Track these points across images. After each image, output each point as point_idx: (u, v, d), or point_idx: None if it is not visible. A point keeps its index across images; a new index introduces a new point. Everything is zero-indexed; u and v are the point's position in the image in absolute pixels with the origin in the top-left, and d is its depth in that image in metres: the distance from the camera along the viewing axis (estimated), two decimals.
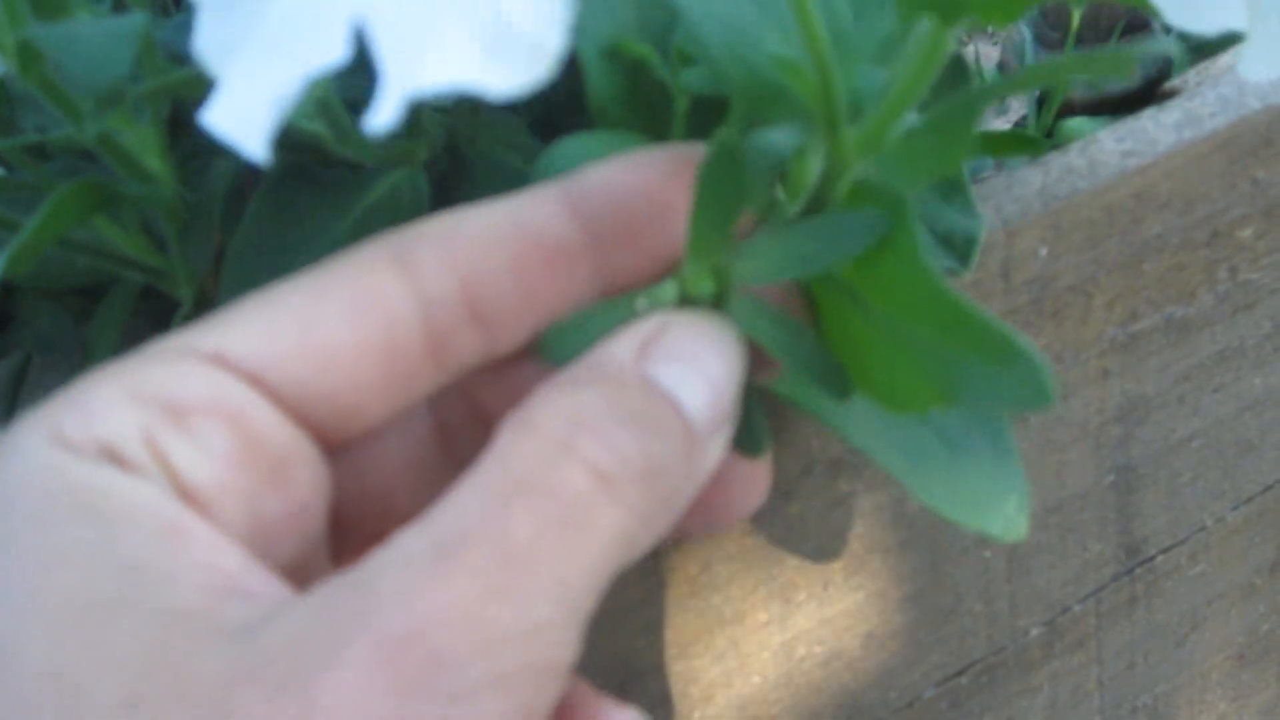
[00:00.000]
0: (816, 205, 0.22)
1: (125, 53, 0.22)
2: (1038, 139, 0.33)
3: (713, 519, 0.22)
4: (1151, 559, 0.37)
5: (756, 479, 0.23)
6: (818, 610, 0.31)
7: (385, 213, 0.29)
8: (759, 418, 0.21)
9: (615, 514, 0.17)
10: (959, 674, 0.35)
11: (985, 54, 0.51)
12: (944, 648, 0.34)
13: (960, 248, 0.30)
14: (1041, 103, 0.45)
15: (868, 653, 0.33)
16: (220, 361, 0.18)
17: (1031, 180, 0.31)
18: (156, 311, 0.31)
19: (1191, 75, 0.38)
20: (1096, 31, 0.45)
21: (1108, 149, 0.32)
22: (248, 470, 0.18)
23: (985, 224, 0.29)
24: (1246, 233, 0.34)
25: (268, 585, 0.17)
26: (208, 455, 0.17)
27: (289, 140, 0.29)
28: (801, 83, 0.20)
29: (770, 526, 0.30)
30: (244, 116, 0.15)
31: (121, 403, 0.17)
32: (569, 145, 0.25)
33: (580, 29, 0.26)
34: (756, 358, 0.21)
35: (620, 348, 0.19)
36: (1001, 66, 0.49)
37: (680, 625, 0.29)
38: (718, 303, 0.21)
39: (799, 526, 0.30)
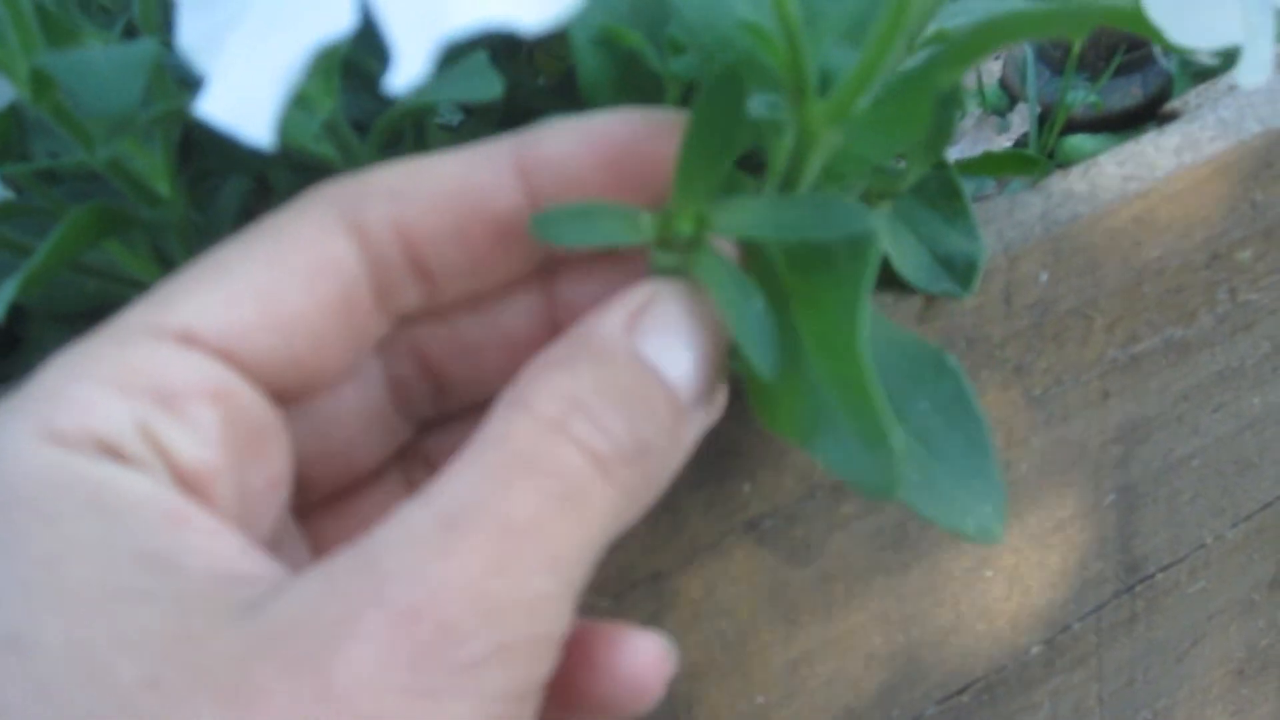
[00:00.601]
0: (790, 183, 0.22)
1: (136, 81, 0.22)
2: (1039, 158, 0.33)
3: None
4: (1151, 576, 0.38)
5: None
6: (821, 631, 0.31)
7: None
8: (770, 339, 0.21)
9: (608, 493, 0.18)
10: (960, 692, 0.35)
11: (988, 70, 0.52)
12: (945, 666, 0.34)
13: (962, 271, 0.30)
14: (1043, 120, 0.45)
15: (870, 672, 0.33)
16: (192, 339, 0.18)
17: (1033, 205, 0.31)
18: None
19: (1192, 96, 0.39)
20: (1098, 49, 0.46)
21: (1108, 173, 0.32)
22: (234, 447, 0.18)
23: (987, 248, 0.30)
24: (1245, 254, 0.34)
25: (264, 566, 0.17)
26: (201, 438, 0.18)
27: (297, 162, 0.29)
28: (771, 50, 0.21)
29: (774, 549, 0.30)
30: (244, 100, 0.15)
31: (111, 395, 0.17)
32: None
33: (573, 19, 0.26)
34: None
35: (610, 320, 0.19)
36: (1003, 82, 0.49)
37: (685, 647, 0.30)
38: (689, 248, 0.20)
39: (802, 549, 0.30)
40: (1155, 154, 0.32)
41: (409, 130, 0.32)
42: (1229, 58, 0.21)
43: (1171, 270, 0.33)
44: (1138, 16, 0.20)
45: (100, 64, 0.22)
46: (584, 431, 0.18)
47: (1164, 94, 0.45)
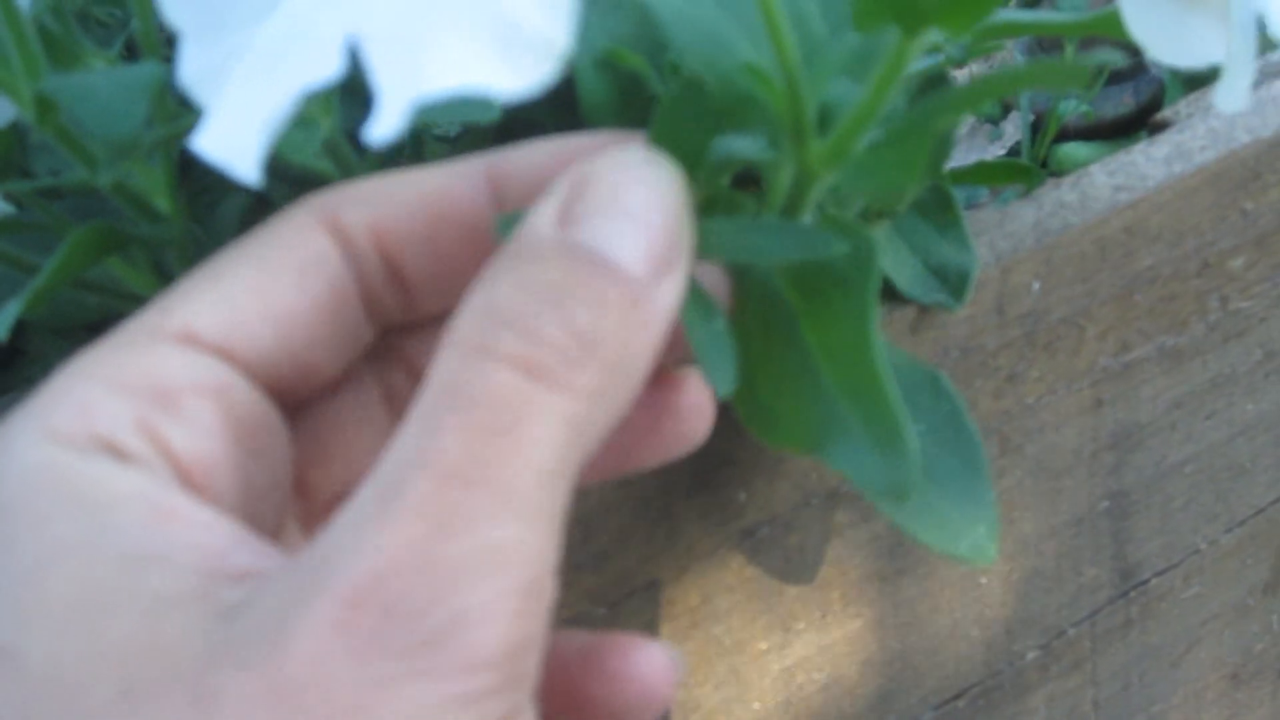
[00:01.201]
0: (789, 216, 0.22)
1: (139, 105, 0.22)
2: (1031, 167, 0.34)
3: (666, 448, 0.22)
4: (1146, 582, 0.38)
5: (703, 404, 0.22)
6: (817, 638, 0.32)
7: None
8: (728, 357, 0.20)
9: (555, 402, 0.16)
10: (956, 698, 0.35)
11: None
12: (941, 672, 0.34)
13: (954, 282, 0.30)
14: (1036, 129, 0.46)
15: (866, 678, 0.33)
16: (191, 339, 0.18)
17: (1024, 215, 0.31)
18: None
19: (1183, 105, 0.39)
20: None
21: (1099, 183, 0.32)
22: (234, 442, 0.18)
23: (979, 259, 0.30)
24: (1237, 263, 0.34)
25: (262, 557, 0.17)
26: (200, 433, 0.18)
27: (296, 178, 0.29)
28: (770, 92, 0.21)
29: (769, 557, 0.30)
30: (235, 140, 0.15)
31: (111, 394, 0.17)
32: None
33: (576, 40, 0.26)
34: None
35: (537, 219, 0.18)
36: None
37: (682, 654, 0.30)
38: None
39: (797, 557, 0.30)
40: (1146, 164, 0.33)
41: (407, 143, 0.32)
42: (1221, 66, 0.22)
43: (1163, 279, 0.33)
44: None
45: (103, 87, 0.22)
46: (510, 344, 0.16)
47: (1156, 102, 0.45)
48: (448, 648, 0.15)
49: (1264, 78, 0.36)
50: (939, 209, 0.31)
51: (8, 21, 0.23)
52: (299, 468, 0.21)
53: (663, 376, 0.20)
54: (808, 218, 0.22)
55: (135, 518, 0.16)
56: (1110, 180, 0.32)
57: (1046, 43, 0.46)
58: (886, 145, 0.21)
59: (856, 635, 0.32)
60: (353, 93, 0.30)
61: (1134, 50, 0.22)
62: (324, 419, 0.21)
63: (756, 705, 0.32)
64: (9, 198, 0.30)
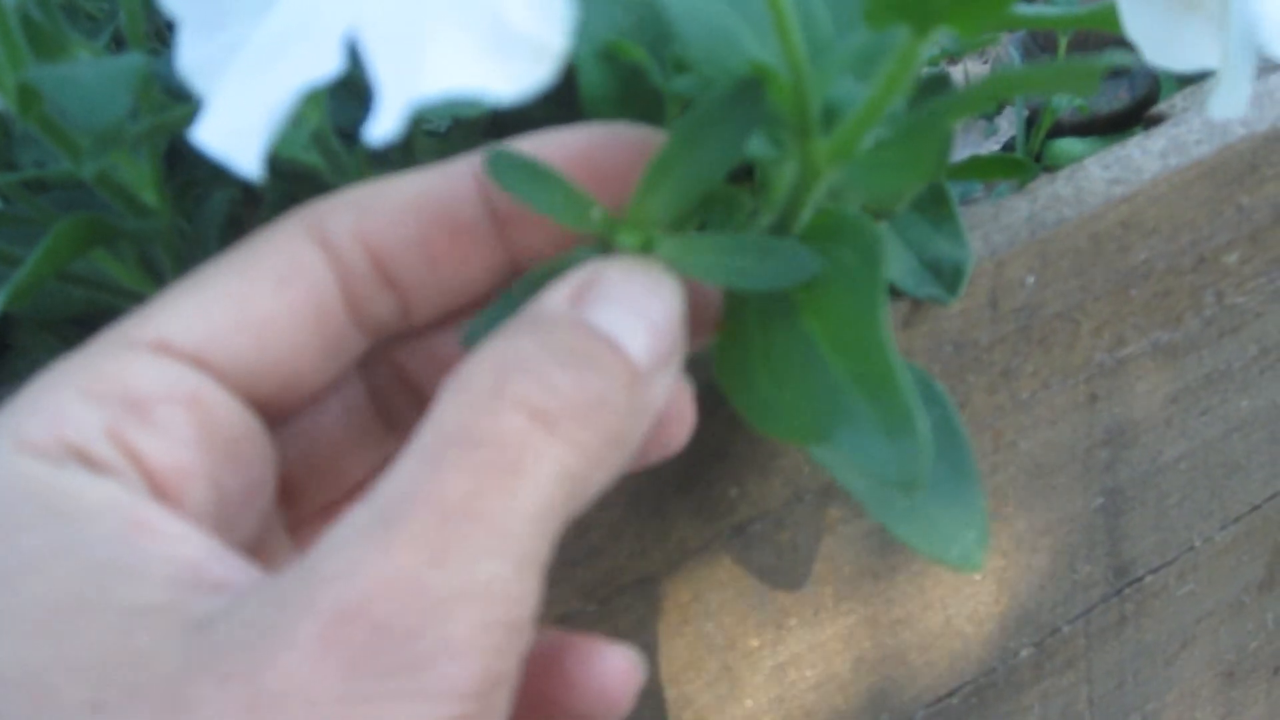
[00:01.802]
0: (790, 214, 0.22)
1: (123, 94, 0.22)
2: (1026, 162, 0.34)
3: (645, 453, 0.22)
4: (1140, 579, 0.38)
5: (684, 411, 0.22)
6: (809, 635, 0.31)
7: None
8: None
9: (556, 452, 0.17)
10: (950, 695, 0.35)
11: (975, 73, 0.52)
12: (934, 670, 0.34)
13: (948, 276, 0.30)
14: (1031, 124, 0.45)
15: (859, 676, 0.33)
16: (165, 348, 0.18)
17: (1019, 209, 0.31)
18: None
19: (1179, 99, 0.39)
20: (1085, 52, 0.46)
21: (1094, 177, 0.32)
22: (208, 452, 0.18)
23: (973, 253, 0.30)
24: (1232, 258, 0.34)
25: (235, 570, 0.17)
26: (172, 442, 0.18)
27: (285, 171, 0.29)
28: (776, 89, 0.21)
29: (761, 554, 0.30)
30: (236, 133, 0.15)
31: (82, 402, 0.17)
32: None
33: (577, 31, 0.26)
34: (702, 318, 0.21)
35: (554, 297, 0.19)
36: None
37: (673, 651, 0.30)
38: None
39: (790, 553, 0.30)
40: (1141, 157, 0.33)
41: (397, 138, 0.32)
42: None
43: (1158, 274, 0.33)
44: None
45: (86, 78, 0.22)
46: (523, 389, 0.17)
47: (1152, 97, 0.45)
48: (430, 673, 0.15)
49: (1259, 73, 0.36)
50: (934, 203, 0.31)
51: None
52: (289, 476, 0.21)
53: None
54: (807, 215, 0.22)
55: (107, 529, 0.16)
56: (1105, 174, 0.32)
57: (1041, 36, 0.46)
58: (892, 145, 0.21)
59: (849, 632, 0.32)
60: (340, 86, 0.30)
61: (1129, 45, 0.21)
62: (314, 428, 0.21)
63: (749, 702, 0.31)
64: None
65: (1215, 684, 0.42)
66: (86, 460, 0.17)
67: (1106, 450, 0.35)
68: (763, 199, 0.22)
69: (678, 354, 0.19)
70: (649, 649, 0.29)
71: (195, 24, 0.17)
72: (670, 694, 0.30)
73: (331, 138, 0.28)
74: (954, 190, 0.39)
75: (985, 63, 0.51)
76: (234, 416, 0.19)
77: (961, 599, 0.34)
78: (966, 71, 0.51)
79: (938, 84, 0.27)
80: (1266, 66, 0.37)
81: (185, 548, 0.16)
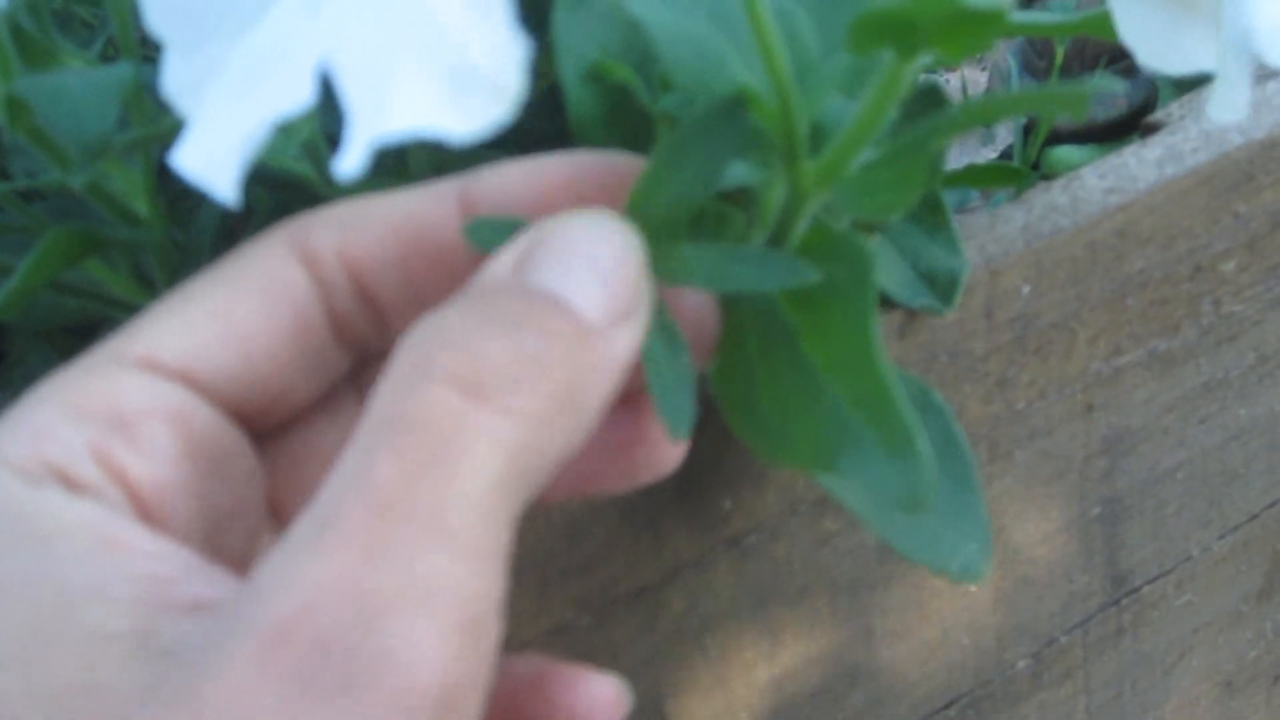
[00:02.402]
0: (782, 231, 0.22)
1: (111, 106, 0.22)
2: (1023, 170, 0.33)
3: (636, 474, 0.21)
4: (1138, 589, 0.37)
5: (670, 446, 0.22)
6: (805, 647, 0.31)
7: None
8: (687, 400, 0.20)
9: (491, 424, 0.15)
10: (947, 707, 0.35)
11: (973, 80, 0.52)
12: (931, 681, 0.34)
13: (943, 286, 0.30)
14: (1028, 131, 0.45)
15: (855, 688, 0.33)
16: (151, 364, 0.18)
17: (1014, 218, 0.31)
18: None
19: (1175, 108, 0.39)
20: (1082, 59, 0.46)
21: (1090, 185, 0.32)
22: (194, 468, 0.18)
23: (969, 263, 0.30)
24: (1229, 266, 0.34)
25: (216, 586, 0.16)
26: (157, 459, 0.18)
27: (276, 180, 0.29)
28: (763, 112, 0.21)
29: (757, 565, 0.30)
30: (213, 158, 0.15)
31: (65, 421, 0.17)
32: None
33: (563, 51, 0.26)
34: (697, 343, 0.21)
35: (496, 264, 0.18)
36: (988, 94, 0.49)
37: (667, 665, 0.29)
38: None
39: (785, 565, 0.30)
40: (1137, 166, 0.32)
41: (391, 147, 0.32)
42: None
43: (1154, 282, 0.33)
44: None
45: (75, 89, 0.22)
46: (450, 362, 0.15)
47: (1150, 104, 0.45)
48: (376, 686, 0.14)
49: (1256, 80, 0.35)
50: (928, 212, 0.31)
51: None
52: (276, 493, 0.20)
53: (635, 401, 0.20)
54: (800, 232, 0.22)
55: (79, 550, 0.16)
56: (1101, 183, 0.32)
57: (1039, 43, 0.46)
58: (881, 166, 0.21)
59: (845, 644, 0.32)
60: (331, 96, 0.30)
61: (1126, 53, 0.21)
62: (300, 444, 0.21)
63: (744, 715, 0.31)
64: None
65: (1214, 694, 0.41)
66: (66, 480, 0.17)
67: (1104, 459, 0.34)
68: (754, 216, 0.22)
69: (641, 306, 0.18)
70: (643, 661, 0.29)
71: (179, 45, 0.17)
72: (666, 706, 0.30)
73: (323, 148, 0.28)
74: (951, 198, 0.38)
75: (984, 69, 0.51)
76: (220, 432, 0.19)
77: (958, 610, 0.34)
78: (964, 78, 0.51)
79: (930, 96, 0.27)
80: (1263, 74, 0.37)
81: (159, 566, 0.16)
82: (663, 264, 0.20)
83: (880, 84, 0.19)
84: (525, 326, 0.16)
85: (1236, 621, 0.41)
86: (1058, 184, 0.32)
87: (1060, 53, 0.42)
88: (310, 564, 0.14)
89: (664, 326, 0.20)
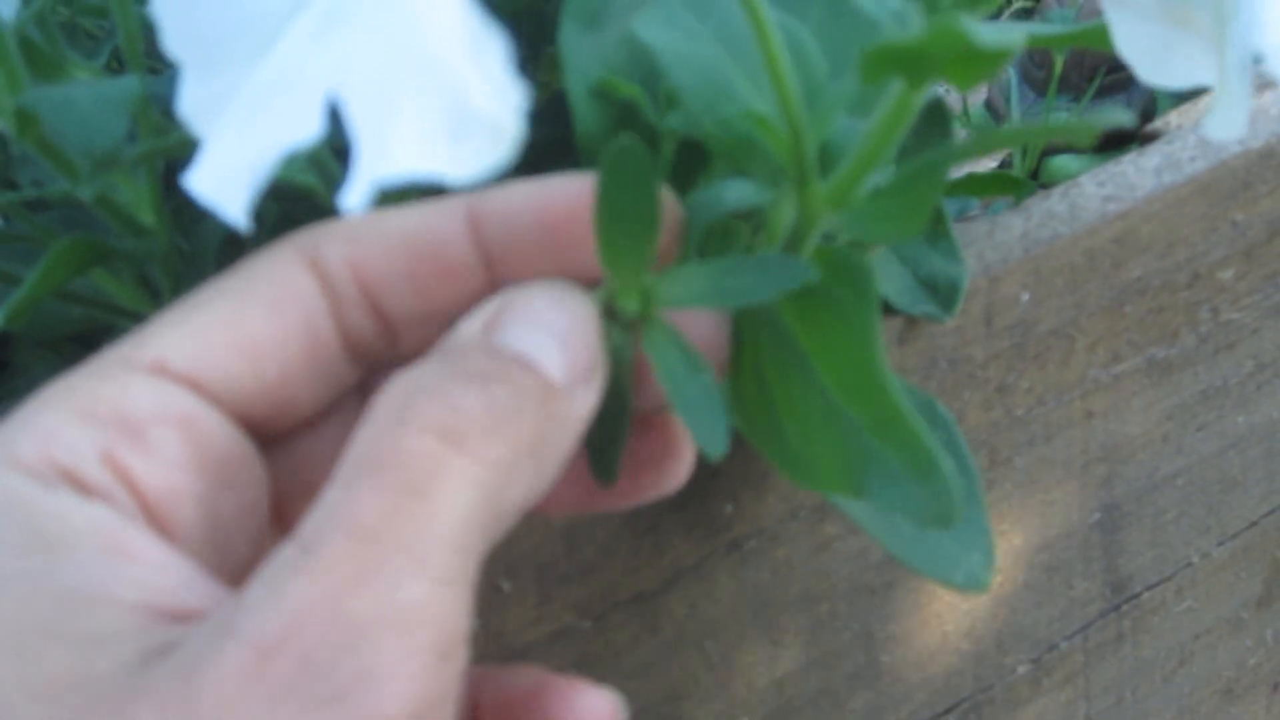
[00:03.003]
0: (789, 250, 0.22)
1: (119, 119, 0.22)
2: (1023, 180, 0.34)
3: (642, 491, 0.22)
4: (1138, 595, 0.38)
5: (683, 451, 0.22)
6: (805, 651, 0.31)
7: None
8: (718, 419, 0.20)
9: (466, 468, 0.17)
10: (947, 712, 0.35)
11: (973, 91, 0.52)
12: (931, 686, 0.34)
13: (944, 294, 0.30)
14: None
15: (855, 692, 0.33)
16: (161, 370, 0.18)
17: (1013, 226, 0.31)
18: None
19: (1173, 117, 0.39)
20: (1081, 70, 0.46)
21: (1088, 194, 0.32)
22: (201, 474, 0.18)
23: (969, 270, 0.30)
24: (1227, 274, 0.34)
25: (208, 599, 0.17)
26: (165, 465, 0.18)
27: (282, 191, 0.29)
28: (772, 137, 0.21)
29: (758, 570, 0.30)
30: (224, 182, 0.16)
31: (76, 424, 0.17)
32: None
33: (570, 68, 0.26)
34: (640, 386, 0.21)
35: (465, 326, 0.19)
36: (988, 104, 0.50)
37: (668, 669, 0.30)
38: (639, 322, 0.21)
39: (785, 570, 0.30)
40: (1135, 174, 0.33)
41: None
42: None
43: (1153, 290, 0.33)
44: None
45: (83, 101, 0.22)
46: (428, 410, 0.17)
47: (1148, 114, 0.45)
48: (354, 703, 0.15)
49: (1253, 89, 0.36)
50: (929, 221, 0.31)
51: None
52: (282, 500, 0.21)
53: (641, 425, 0.21)
54: (808, 250, 0.22)
55: (86, 554, 0.16)
56: (1100, 191, 0.32)
57: (1037, 54, 0.46)
58: (889, 194, 0.21)
59: (845, 648, 0.32)
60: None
61: (1124, 63, 0.21)
62: (307, 453, 0.21)
63: (745, 719, 0.31)
64: None
65: (1214, 701, 0.42)
66: (77, 482, 0.17)
67: (1103, 466, 0.35)
68: (761, 235, 0.23)
69: (597, 370, 0.19)
70: (644, 665, 0.29)
71: (195, 67, 0.17)
72: (666, 710, 0.30)
73: (328, 156, 0.28)
74: (951, 206, 0.39)
75: None
76: (227, 439, 0.19)
77: (958, 615, 0.34)
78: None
79: (933, 111, 0.27)
80: (1261, 83, 0.37)
81: (160, 575, 0.17)
82: (666, 289, 0.20)
83: (889, 110, 0.20)
84: (497, 381, 0.18)
85: (1236, 628, 0.41)
86: (1056, 192, 0.32)
87: (1059, 63, 0.42)
88: (297, 585, 0.15)
89: (680, 350, 0.20)
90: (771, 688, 0.31)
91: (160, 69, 0.32)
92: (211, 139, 0.16)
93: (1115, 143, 0.45)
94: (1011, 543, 0.34)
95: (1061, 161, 0.44)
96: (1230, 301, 0.35)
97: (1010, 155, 0.47)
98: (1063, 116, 0.43)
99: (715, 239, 0.23)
